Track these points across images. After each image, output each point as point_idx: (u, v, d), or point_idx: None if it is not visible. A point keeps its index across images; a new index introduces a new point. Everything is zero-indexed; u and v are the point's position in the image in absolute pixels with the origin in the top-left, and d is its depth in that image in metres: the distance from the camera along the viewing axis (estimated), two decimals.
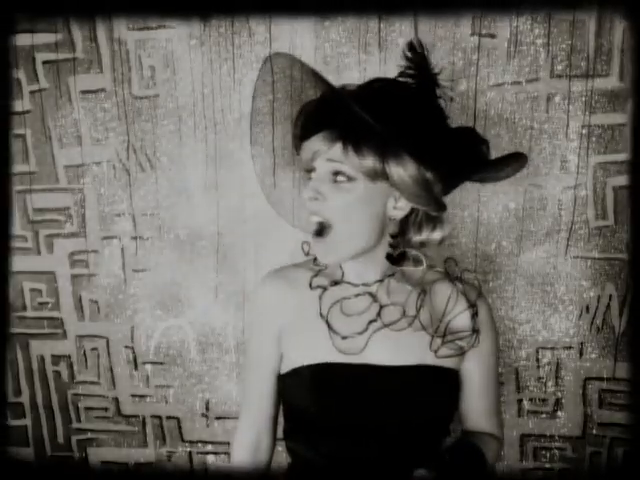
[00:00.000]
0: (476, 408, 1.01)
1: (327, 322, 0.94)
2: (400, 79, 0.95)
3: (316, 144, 0.89)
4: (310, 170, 0.93)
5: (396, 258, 0.96)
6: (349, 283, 0.97)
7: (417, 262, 0.98)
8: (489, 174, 0.95)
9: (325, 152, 0.88)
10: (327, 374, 0.92)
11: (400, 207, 0.92)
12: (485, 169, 0.94)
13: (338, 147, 0.87)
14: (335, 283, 0.98)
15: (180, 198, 1.33)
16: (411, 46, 0.95)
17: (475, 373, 0.99)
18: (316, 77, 0.95)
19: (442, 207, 0.93)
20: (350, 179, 0.88)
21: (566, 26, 1.19)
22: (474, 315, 0.96)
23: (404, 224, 0.96)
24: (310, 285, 0.98)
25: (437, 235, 0.96)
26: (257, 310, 1.02)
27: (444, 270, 1.01)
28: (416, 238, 0.96)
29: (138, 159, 1.33)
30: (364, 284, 0.97)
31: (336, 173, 0.88)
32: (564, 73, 1.21)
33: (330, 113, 0.90)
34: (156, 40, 1.28)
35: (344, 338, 0.93)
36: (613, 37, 1.18)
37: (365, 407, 0.90)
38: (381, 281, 0.97)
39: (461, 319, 0.96)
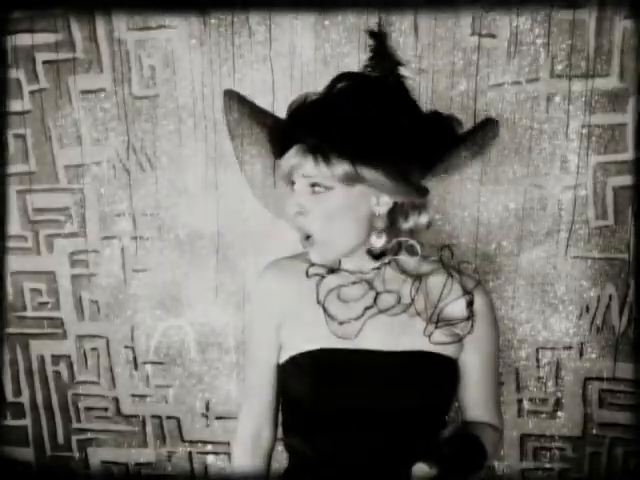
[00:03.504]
0: (475, 398, 1.02)
1: (324, 308, 0.95)
2: (366, 71, 0.97)
3: (290, 160, 0.93)
4: (289, 186, 0.96)
5: (378, 254, 0.97)
6: (346, 271, 0.99)
7: (412, 251, 1.00)
8: (464, 148, 0.97)
9: (299, 167, 0.91)
10: (324, 360, 0.93)
11: (383, 203, 0.93)
12: (458, 145, 0.96)
13: (310, 161, 0.90)
14: (332, 271, 0.99)
15: (180, 198, 1.33)
16: (372, 33, 0.97)
17: (474, 363, 1.00)
18: (260, 112, 1.01)
19: (424, 192, 0.95)
20: (328, 189, 0.90)
21: (566, 26, 1.19)
22: (470, 302, 0.97)
23: (392, 215, 0.97)
24: (307, 274, 0.99)
25: (424, 219, 0.98)
26: (256, 301, 1.04)
27: (440, 259, 1.02)
28: (405, 226, 0.98)
29: (138, 159, 1.33)
30: (360, 272, 0.98)
31: (313, 185, 0.91)
32: (564, 73, 1.21)
33: (298, 127, 0.92)
34: (156, 40, 1.28)
35: (341, 324, 0.94)
36: (613, 37, 1.18)
37: (362, 393, 0.92)
38: (377, 269, 0.98)
39: (457, 306, 0.97)
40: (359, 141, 0.88)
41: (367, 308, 0.95)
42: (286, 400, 1.02)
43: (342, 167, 0.88)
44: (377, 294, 0.97)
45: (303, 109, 0.95)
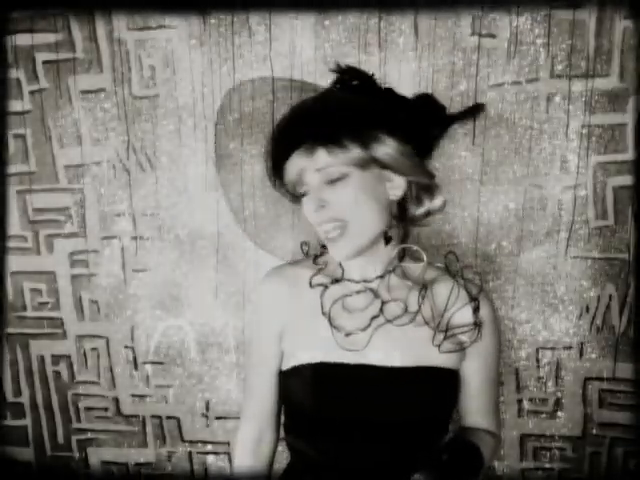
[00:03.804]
0: (475, 406, 1.02)
1: (329, 319, 0.94)
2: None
3: (298, 162, 0.93)
4: (301, 191, 0.96)
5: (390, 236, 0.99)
6: (350, 280, 0.98)
7: (417, 258, 0.99)
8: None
9: (311, 164, 0.92)
10: (327, 374, 0.92)
11: (397, 186, 0.95)
12: (448, 125, 1.04)
13: (322, 153, 0.91)
14: (336, 281, 0.98)
15: (180, 198, 1.33)
16: (338, 68, 1.03)
17: (475, 373, 0.99)
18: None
19: (432, 175, 0.99)
20: (344, 176, 0.91)
21: (566, 26, 1.19)
22: (476, 309, 0.97)
23: (404, 203, 0.98)
24: (310, 284, 0.98)
25: (437, 202, 1.00)
26: (258, 308, 1.03)
27: (444, 266, 1.01)
28: (419, 212, 0.99)
29: (138, 159, 1.33)
30: (365, 281, 0.97)
31: (328, 176, 0.91)
32: (564, 73, 1.21)
33: (303, 126, 0.94)
34: (156, 40, 1.28)
35: (347, 335, 0.93)
36: (613, 37, 1.18)
37: (364, 406, 0.91)
38: (382, 277, 0.97)
39: (463, 313, 0.97)
40: (365, 122, 0.91)
41: (374, 318, 0.94)
42: (288, 405, 1.01)
43: (357, 150, 0.90)
44: (383, 303, 0.96)
45: (300, 113, 0.97)
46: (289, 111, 1.02)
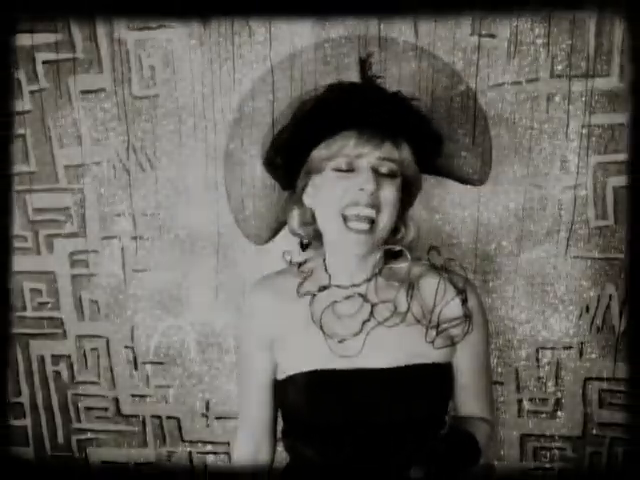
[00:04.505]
0: (468, 395, 1.02)
1: (321, 327, 0.94)
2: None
3: (358, 146, 0.89)
4: (342, 167, 0.91)
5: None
6: (338, 286, 0.97)
7: (402, 258, 0.99)
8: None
9: (372, 152, 0.89)
10: (321, 381, 0.92)
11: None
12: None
13: (388, 145, 0.91)
14: (324, 288, 0.97)
15: (180, 198, 1.33)
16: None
17: (467, 363, 0.99)
18: None
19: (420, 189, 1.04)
20: (394, 175, 0.92)
21: (566, 26, 1.19)
22: (464, 301, 0.96)
23: None
24: (298, 292, 0.98)
25: (411, 234, 1.03)
26: (247, 320, 1.03)
27: (428, 262, 1.01)
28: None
29: (138, 159, 1.33)
30: (353, 285, 0.97)
31: (386, 169, 0.91)
32: (564, 73, 1.21)
33: (362, 108, 0.91)
34: (156, 40, 1.28)
35: (341, 341, 0.93)
36: (613, 37, 1.18)
37: (362, 411, 0.91)
38: (369, 280, 0.97)
39: (452, 307, 0.97)
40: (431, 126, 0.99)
41: (365, 322, 0.94)
42: (285, 412, 1.01)
43: (406, 151, 0.93)
44: (372, 306, 0.95)
45: (374, 96, 0.95)
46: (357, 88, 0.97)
